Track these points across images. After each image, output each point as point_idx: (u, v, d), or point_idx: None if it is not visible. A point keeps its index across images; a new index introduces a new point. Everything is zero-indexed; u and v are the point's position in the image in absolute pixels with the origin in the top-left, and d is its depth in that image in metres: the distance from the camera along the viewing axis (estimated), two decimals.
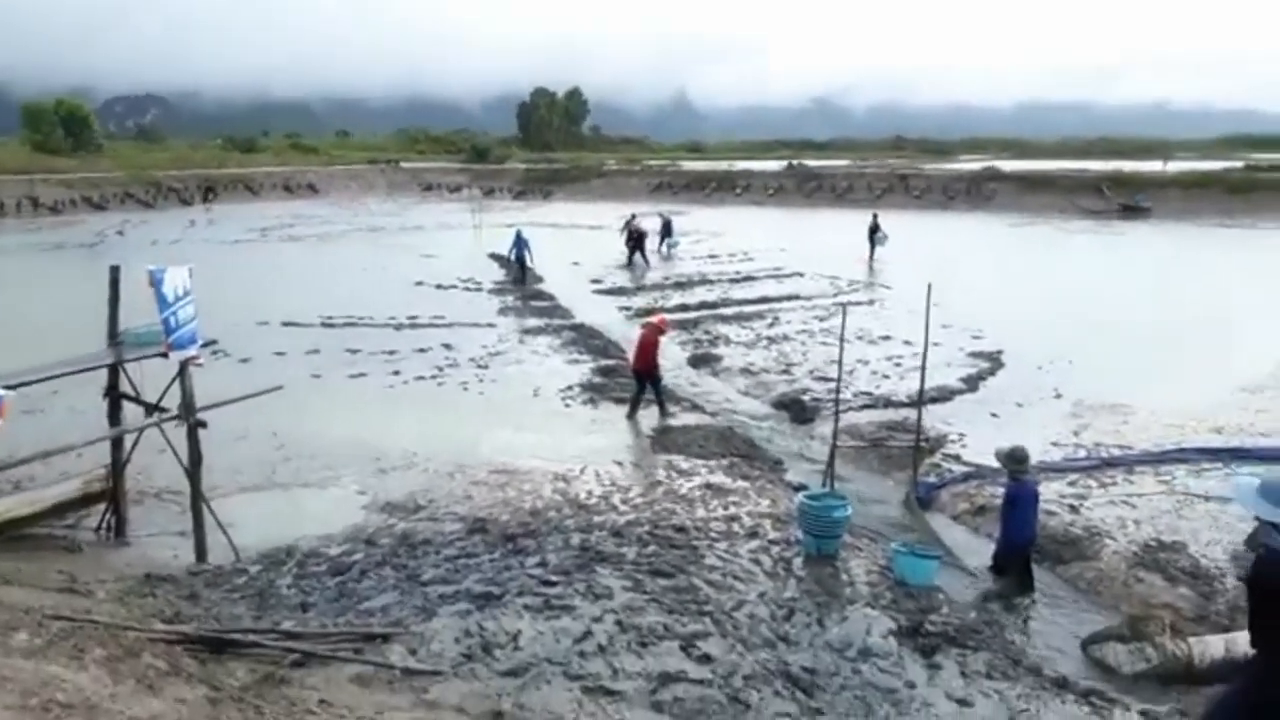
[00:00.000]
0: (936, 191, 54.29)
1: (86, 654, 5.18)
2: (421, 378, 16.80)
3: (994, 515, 9.90)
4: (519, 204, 60.83)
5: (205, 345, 9.76)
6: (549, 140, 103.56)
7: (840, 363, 12.15)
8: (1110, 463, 11.78)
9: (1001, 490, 9.54)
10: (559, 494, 10.57)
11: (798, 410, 14.74)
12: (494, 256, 32.44)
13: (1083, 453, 12.30)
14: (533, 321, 22.00)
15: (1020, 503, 8.79)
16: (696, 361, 18.07)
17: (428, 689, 5.96)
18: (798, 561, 8.58)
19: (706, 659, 6.66)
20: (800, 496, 9.21)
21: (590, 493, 10.62)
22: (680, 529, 9.25)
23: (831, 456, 11.50)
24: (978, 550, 9.71)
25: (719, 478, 11.20)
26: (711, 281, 27.59)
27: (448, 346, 19.10)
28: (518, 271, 27.94)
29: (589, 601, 7.41)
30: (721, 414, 14.77)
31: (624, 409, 14.46)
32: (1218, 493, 10.50)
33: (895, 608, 7.69)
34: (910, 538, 9.62)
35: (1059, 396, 15.15)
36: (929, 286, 11.54)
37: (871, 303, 23.80)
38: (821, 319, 21.68)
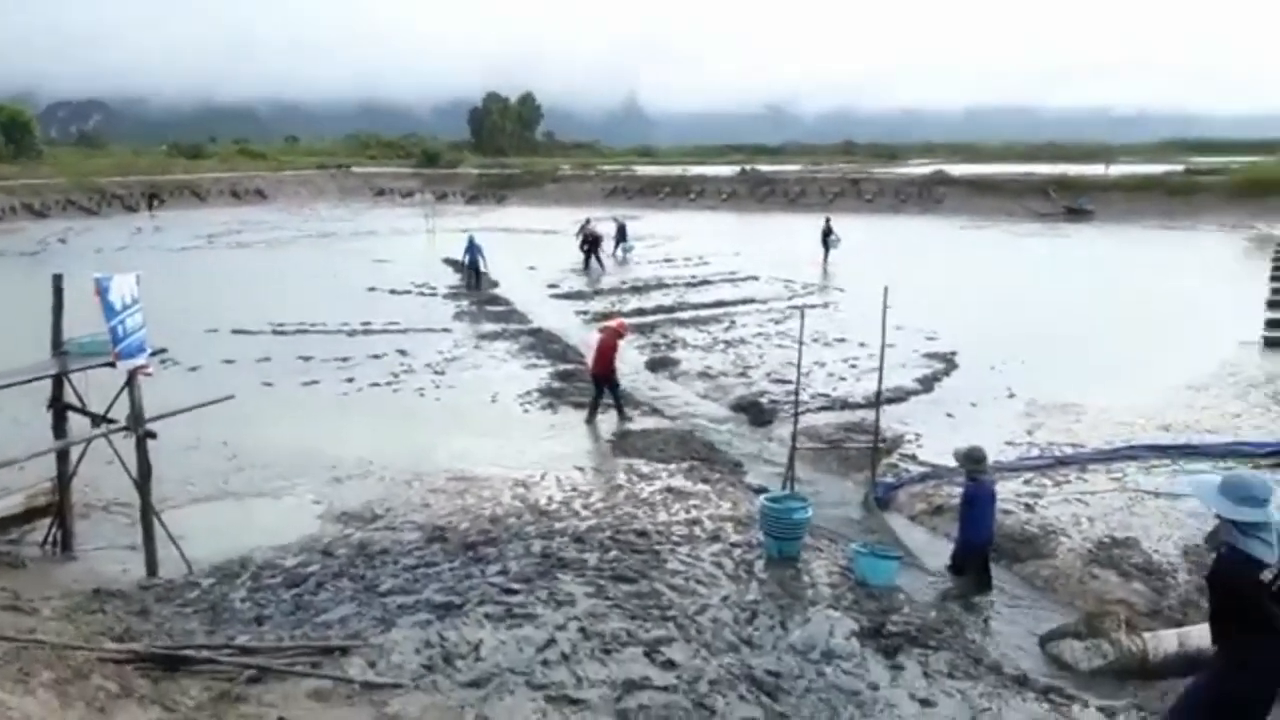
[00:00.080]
0: (888, 195, 54.95)
1: (33, 677, 5.00)
2: (376, 384, 16.59)
3: (951, 515, 9.99)
4: (472, 209, 60.51)
5: (154, 354, 9.52)
6: (502, 145, 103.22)
7: (799, 365, 12.20)
8: (1063, 461, 11.96)
9: (959, 490, 9.63)
10: (519, 500, 10.48)
11: (756, 413, 14.79)
12: (448, 261, 32.18)
13: (1036, 451, 12.47)
14: (489, 326, 21.85)
15: (978, 502, 8.87)
16: (655, 365, 18.06)
17: (388, 702, 5.86)
18: (759, 564, 8.58)
19: (671, 665, 6.62)
20: (761, 499, 9.22)
21: (551, 498, 10.53)
22: (642, 533, 9.21)
23: (791, 458, 11.53)
24: (936, 550, 9.79)
25: (679, 481, 11.19)
26: (668, 286, 27.62)
27: (402, 352, 18.89)
28: (472, 278, 27.75)
29: (551, 609, 7.34)
30: (681, 417, 14.77)
31: (583, 413, 14.40)
32: (1167, 489, 10.71)
33: (857, 609, 7.71)
34: (870, 538, 9.67)
35: (1012, 396, 15.36)
36: (885, 289, 11.62)
37: (826, 305, 23.97)
38: (777, 322, 21.81)
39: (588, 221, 34.11)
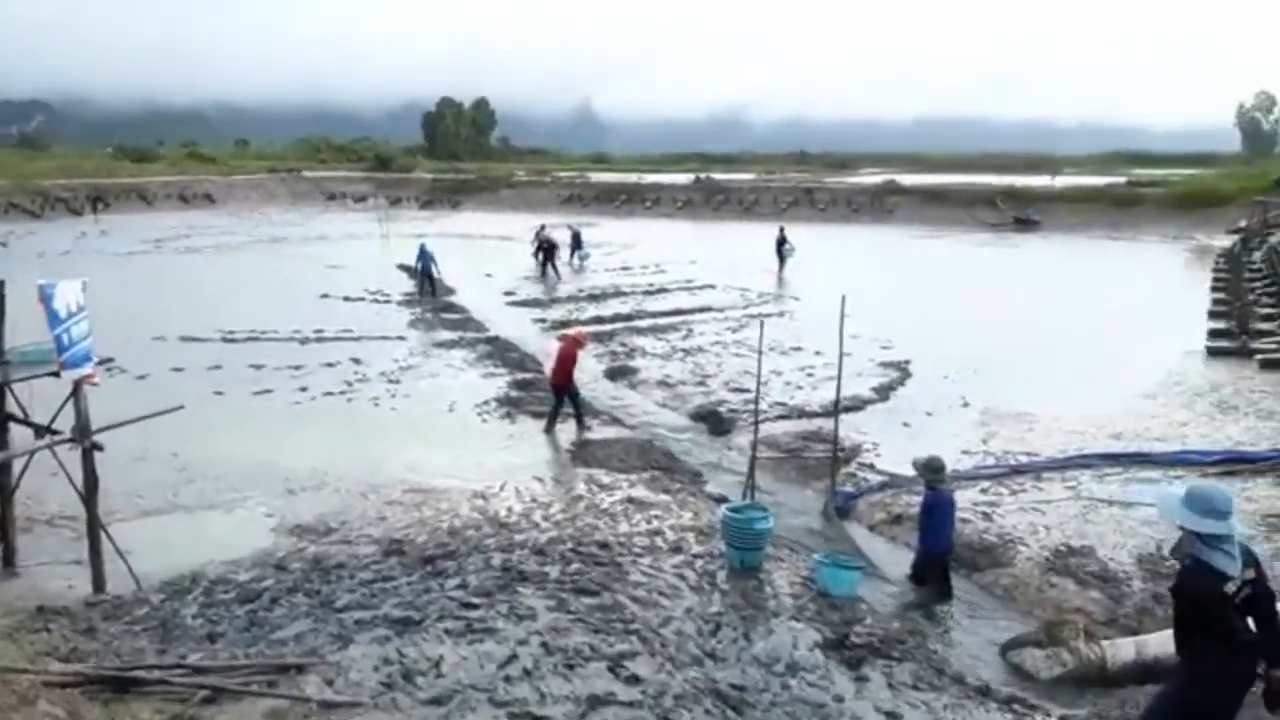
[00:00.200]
0: (841, 205, 55.44)
1: None
2: (330, 393, 16.32)
3: (911, 524, 10.06)
4: (426, 214, 60.01)
5: (101, 363, 9.27)
6: (456, 150, 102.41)
7: (759, 374, 12.21)
8: (1019, 470, 12.11)
9: (918, 499, 9.70)
10: (478, 512, 10.34)
11: (715, 422, 14.79)
12: (402, 267, 31.81)
13: (992, 460, 12.62)
14: (445, 334, 21.63)
15: (937, 511, 8.93)
16: (614, 374, 18.00)
17: None
18: (722, 575, 8.55)
19: (635, 679, 6.54)
20: (723, 509, 9.20)
21: (510, 510, 10.41)
22: (603, 545, 9.13)
23: (751, 468, 11.53)
24: (897, 559, 9.85)
25: (640, 491, 11.13)
26: (625, 294, 27.59)
27: (357, 361, 18.62)
28: (426, 285, 27.38)
29: (512, 623, 7.22)
30: (641, 427, 14.72)
31: (542, 423, 14.29)
32: (1120, 497, 10.89)
33: (820, 619, 7.71)
34: (831, 548, 9.69)
35: (966, 405, 15.53)
36: (843, 299, 11.69)
37: (782, 314, 24.11)
38: (734, 330, 21.88)
39: (543, 228, 33.96)
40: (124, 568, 8.75)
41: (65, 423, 8.87)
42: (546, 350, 17.58)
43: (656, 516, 10.14)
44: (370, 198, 65.67)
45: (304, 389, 16.54)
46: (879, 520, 11.09)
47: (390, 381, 17.17)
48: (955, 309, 24.56)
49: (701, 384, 17.00)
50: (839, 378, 12.05)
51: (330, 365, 18.22)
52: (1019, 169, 68.75)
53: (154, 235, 44.36)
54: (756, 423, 12.19)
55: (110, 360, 10.62)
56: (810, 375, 17.32)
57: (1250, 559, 4.79)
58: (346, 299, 26.21)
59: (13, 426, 9.14)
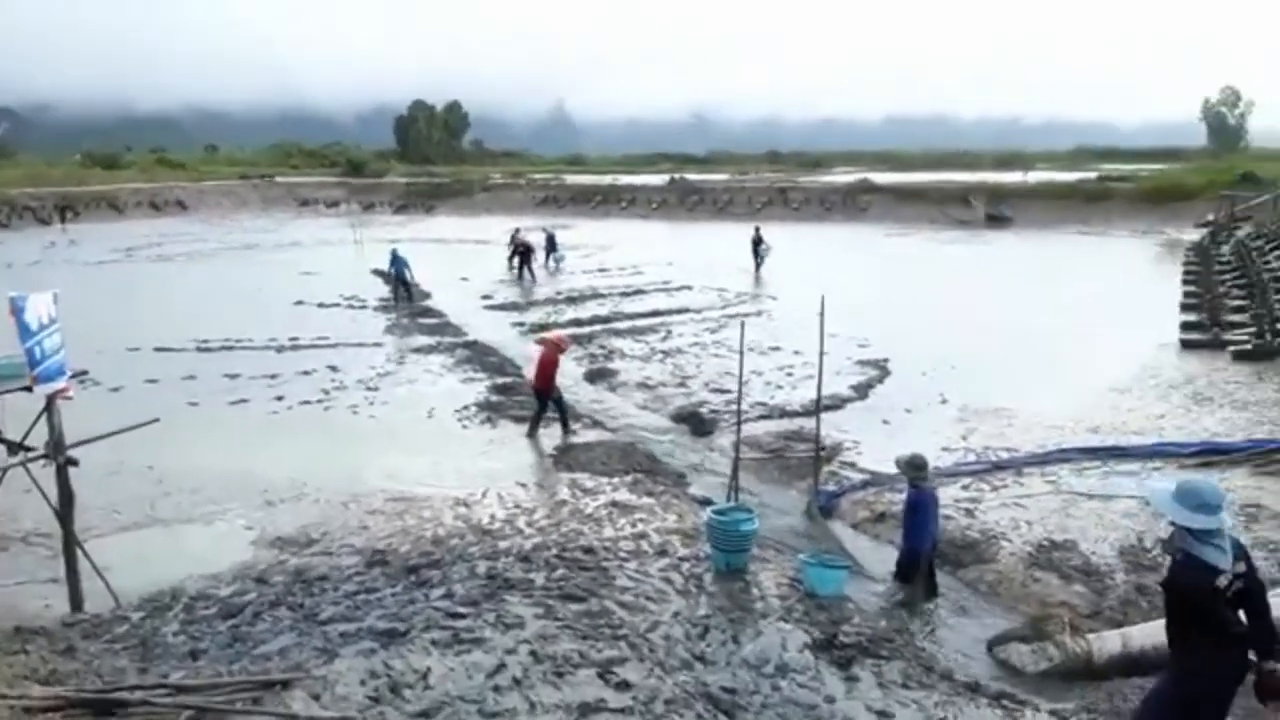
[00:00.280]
0: (814, 204, 55.63)
1: None
2: (307, 402, 16.17)
3: (894, 522, 10.09)
4: (401, 219, 59.65)
5: (74, 376, 9.10)
6: (429, 154, 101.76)
7: (740, 375, 12.20)
8: (1000, 465, 12.18)
9: (900, 497, 9.72)
10: (461, 520, 10.28)
11: (697, 423, 14.79)
12: (377, 272, 31.59)
13: (972, 456, 12.68)
14: (422, 340, 21.49)
15: (921, 509, 8.94)
16: (593, 377, 17.95)
17: None
18: (708, 577, 8.54)
19: (625, 685, 6.51)
20: (708, 511, 9.18)
21: (494, 517, 10.36)
22: (589, 550, 9.09)
23: (735, 468, 11.52)
24: (882, 557, 9.86)
25: (624, 495, 11.10)
26: (603, 295, 27.54)
27: (333, 368, 18.47)
28: (401, 290, 27.16)
29: (500, 632, 7.18)
30: (622, 429, 14.68)
31: (523, 428, 14.23)
32: (1100, 491, 10.98)
33: (808, 620, 7.71)
34: (816, 548, 9.69)
35: (945, 402, 15.60)
36: (822, 298, 11.71)
37: (759, 314, 24.13)
38: (713, 331, 21.89)
39: (518, 231, 33.86)
40: (102, 585, 8.60)
41: (38, 438, 8.71)
42: (527, 354, 17.51)
43: (641, 520, 10.11)
44: (343, 203, 65.26)
45: (280, 398, 16.38)
46: (862, 518, 11.11)
47: (368, 389, 17.04)
48: (931, 306, 24.67)
49: (682, 385, 16.99)
50: (819, 377, 12.07)
51: (307, 373, 18.06)
52: (989, 166, 69.33)
53: (125, 244, 43.83)
54: (739, 423, 12.18)
55: (84, 373, 10.42)
56: (790, 375, 17.35)
57: (1241, 552, 4.83)
58: (321, 305, 26.00)
59: None
